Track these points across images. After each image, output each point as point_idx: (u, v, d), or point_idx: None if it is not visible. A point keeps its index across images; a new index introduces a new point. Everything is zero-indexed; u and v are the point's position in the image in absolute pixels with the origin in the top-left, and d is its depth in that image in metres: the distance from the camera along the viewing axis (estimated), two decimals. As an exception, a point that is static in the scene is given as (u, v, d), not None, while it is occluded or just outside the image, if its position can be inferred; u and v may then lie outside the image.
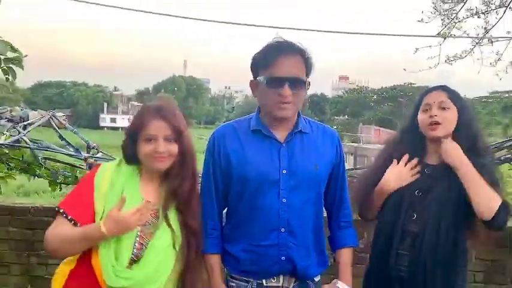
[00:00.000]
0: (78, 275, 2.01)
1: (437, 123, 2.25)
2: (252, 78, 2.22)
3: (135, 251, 1.98)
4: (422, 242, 2.21)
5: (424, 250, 2.21)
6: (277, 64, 2.07)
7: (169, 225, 2.06)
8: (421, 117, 2.32)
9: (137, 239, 1.99)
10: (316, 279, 2.30)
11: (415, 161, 2.34)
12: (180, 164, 2.09)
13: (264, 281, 2.21)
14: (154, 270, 1.99)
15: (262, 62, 2.12)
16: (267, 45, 2.15)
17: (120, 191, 2.02)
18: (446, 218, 2.21)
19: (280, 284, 2.22)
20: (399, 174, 2.33)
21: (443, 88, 2.33)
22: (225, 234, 2.29)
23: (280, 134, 2.21)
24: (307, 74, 2.17)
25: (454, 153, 2.23)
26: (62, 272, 2.04)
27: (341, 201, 2.37)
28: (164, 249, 2.03)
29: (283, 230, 2.16)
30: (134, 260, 1.98)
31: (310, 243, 2.23)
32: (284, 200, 2.15)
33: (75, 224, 1.97)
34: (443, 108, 2.26)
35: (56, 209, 2.02)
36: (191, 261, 2.10)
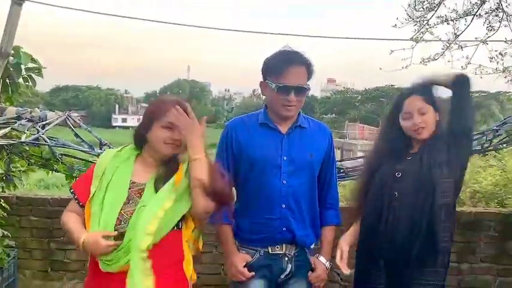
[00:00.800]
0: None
1: (422, 126, 2.31)
2: (262, 80, 2.38)
3: (117, 227, 1.96)
4: (400, 215, 2.27)
5: (402, 223, 2.25)
6: (287, 74, 2.25)
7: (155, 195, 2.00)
8: (404, 124, 2.36)
9: (118, 217, 1.97)
10: (312, 247, 2.50)
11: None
12: (184, 151, 2.05)
13: (269, 248, 2.38)
14: (128, 241, 1.93)
15: (274, 69, 2.30)
16: (278, 54, 2.35)
17: (111, 175, 2.04)
18: (421, 191, 2.25)
19: (283, 251, 2.39)
20: None
21: (418, 92, 2.37)
22: (235, 211, 2.37)
23: (283, 127, 2.39)
24: (308, 81, 2.34)
25: None
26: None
27: (329, 185, 2.53)
28: (140, 221, 1.94)
29: (283, 206, 2.34)
30: (118, 238, 1.95)
31: (306, 217, 2.40)
32: (284, 182, 2.33)
33: (78, 203, 2.07)
34: (423, 114, 2.31)
35: (70, 189, 2.16)
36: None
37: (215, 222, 2.33)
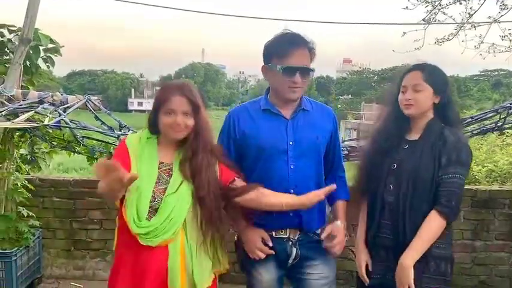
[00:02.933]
0: (122, 231, 2.17)
1: (410, 103, 2.27)
2: (263, 64, 2.35)
3: (152, 204, 2.09)
4: (397, 211, 2.24)
5: (399, 219, 2.23)
6: (291, 55, 2.23)
7: (186, 178, 2.15)
8: (400, 97, 2.32)
9: (152, 195, 2.10)
10: (318, 231, 2.44)
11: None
12: (194, 136, 2.16)
13: (273, 232, 2.37)
14: (167, 219, 2.07)
15: (278, 51, 2.27)
16: (280, 37, 2.30)
17: (141, 154, 2.15)
18: (417, 189, 2.20)
19: (287, 236, 2.37)
20: None
21: (420, 68, 2.30)
22: None
23: (286, 112, 2.36)
24: (311, 62, 2.31)
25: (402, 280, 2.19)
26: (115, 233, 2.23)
27: (338, 165, 2.54)
28: (175, 202, 2.10)
29: (292, 191, 2.30)
30: (153, 213, 2.09)
31: None
32: (292, 166, 2.31)
33: None
34: (417, 91, 2.26)
35: None
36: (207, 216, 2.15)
37: None
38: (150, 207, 2.09)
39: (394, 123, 2.37)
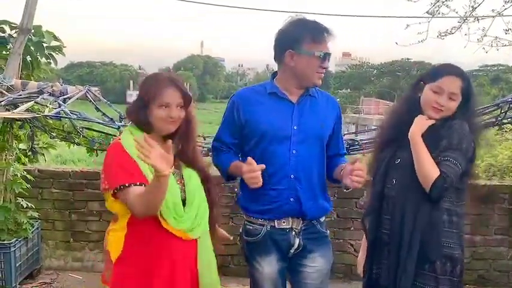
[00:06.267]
0: (132, 236, 2.06)
1: (441, 109, 2.20)
2: (288, 50, 2.27)
3: (182, 194, 2.10)
4: (397, 206, 2.21)
5: (397, 214, 2.20)
6: (325, 42, 2.29)
7: (191, 167, 2.19)
8: (429, 95, 2.23)
9: (178, 184, 2.11)
10: (322, 219, 2.46)
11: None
12: (185, 127, 2.15)
13: (276, 222, 2.35)
14: (198, 206, 2.11)
15: (314, 37, 2.26)
16: (309, 22, 2.30)
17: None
18: (418, 183, 2.15)
19: (289, 226, 2.36)
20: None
21: (461, 76, 2.22)
22: (242, 182, 2.37)
23: (293, 97, 2.36)
24: None
25: (413, 127, 2.22)
26: (116, 238, 2.09)
27: (338, 157, 2.53)
28: (197, 187, 2.16)
29: (292, 176, 2.31)
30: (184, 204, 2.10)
31: (314, 188, 2.37)
32: (294, 151, 2.31)
33: (141, 185, 1.95)
34: (452, 99, 2.19)
35: (118, 188, 1.95)
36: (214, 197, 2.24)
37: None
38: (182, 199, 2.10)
39: (408, 119, 2.28)
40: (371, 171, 2.43)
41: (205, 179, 2.21)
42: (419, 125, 2.21)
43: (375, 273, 2.32)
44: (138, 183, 1.95)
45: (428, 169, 2.11)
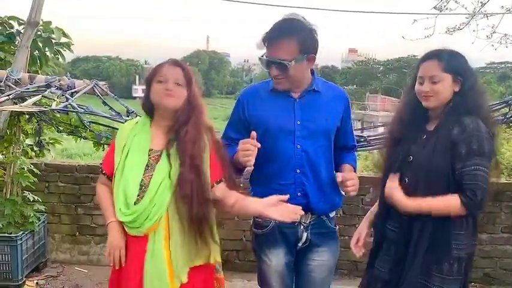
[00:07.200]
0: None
1: (429, 95, 2.16)
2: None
3: (140, 192, 2.05)
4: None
5: (409, 217, 2.14)
6: (269, 48, 2.24)
7: (169, 163, 2.07)
8: (416, 88, 2.21)
9: (141, 183, 2.06)
10: (331, 215, 2.45)
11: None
12: (185, 111, 2.09)
13: None
14: (149, 204, 2.01)
15: (263, 42, 2.25)
16: (270, 27, 2.25)
17: (130, 144, 2.12)
18: (431, 182, 2.10)
19: (298, 220, 2.30)
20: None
21: (437, 56, 2.16)
22: (251, 178, 2.43)
23: (295, 92, 2.35)
24: (303, 52, 2.23)
25: (394, 199, 2.15)
26: None
27: (348, 152, 2.52)
28: (157, 185, 2.04)
29: (298, 171, 2.31)
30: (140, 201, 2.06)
31: (323, 182, 2.35)
32: (298, 146, 2.30)
33: (104, 174, 2.22)
34: (435, 82, 2.13)
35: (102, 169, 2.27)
36: (188, 193, 2.03)
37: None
38: (138, 196, 2.05)
39: (412, 113, 2.27)
40: (379, 167, 2.43)
41: (193, 168, 2.04)
42: (392, 190, 2.16)
43: (377, 269, 2.30)
44: (103, 171, 2.23)
45: (447, 206, 2.07)
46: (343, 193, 2.36)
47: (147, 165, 2.09)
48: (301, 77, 2.31)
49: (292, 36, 2.20)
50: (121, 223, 2.08)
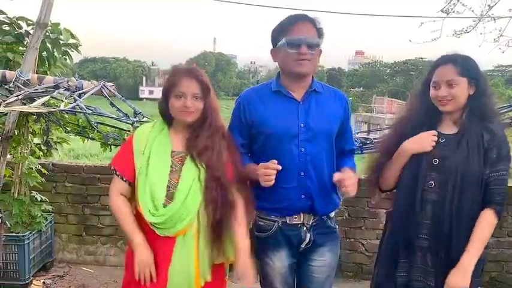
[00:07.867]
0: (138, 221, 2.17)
1: (447, 99, 2.16)
2: (272, 48, 2.34)
3: (167, 192, 2.09)
4: (443, 210, 2.12)
5: (445, 218, 2.11)
6: (296, 29, 2.23)
7: (197, 166, 2.13)
8: (432, 93, 2.21)
9: (167, 184, 2.10)
10: (331, 214, 2.47)
11: (435, 132, 2.23)
12: (202, 118, 2.17)
13: (287, 219, 2.35)
14: (182, 206, 2.07)
15: (282, 29, 2.27)
16: (284, 18, 2.30)
17: (151, 147, 2.15)
18: (465, 186, 2.09)
19: (301, 221, 2.36)
20: (419, 140, 2.23)
21: (452, 61, 2.17)
22: (254, 181, 2.39)
23: (297, 94, 2.34)
24: (320, 37, 2.29)
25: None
26: None
27: (348, 154, 2.52)
28: (188, 187, 2.09)
29: (302, 174, 2.31)
30: (169, 203, 2.09)
31: (326, 184, 2.35)
32: (302, 149, 2.30)
33: (122, 178, 2.17)
34: (452, 86, 2.14)
35: (111, 167, 2.22)
36: (214, 196, 2.11)
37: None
38: (165, 196, 2.08)
39: (425, 114, 2.26)
40: (378, 166, 2.40)
41: (214, 178, 2.12)
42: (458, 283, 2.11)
43: (401, 276, 2.25)
44: (118, 173, 2.17)
45: (490, 226, 2.10)
46: (342, 194, 2.35)
47: (171, 166, 2.13)
48: (316, 63, 2.34)
49: (311, 21, 2.27)
50: (148, 233, 2.11)
